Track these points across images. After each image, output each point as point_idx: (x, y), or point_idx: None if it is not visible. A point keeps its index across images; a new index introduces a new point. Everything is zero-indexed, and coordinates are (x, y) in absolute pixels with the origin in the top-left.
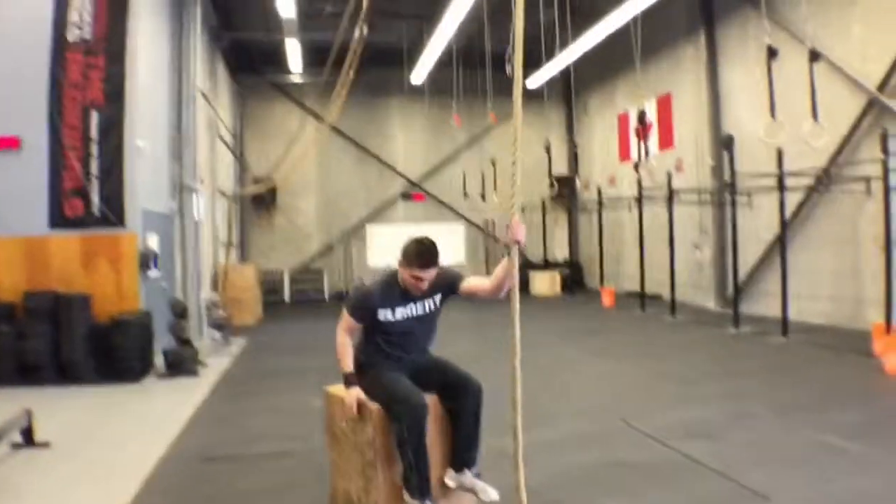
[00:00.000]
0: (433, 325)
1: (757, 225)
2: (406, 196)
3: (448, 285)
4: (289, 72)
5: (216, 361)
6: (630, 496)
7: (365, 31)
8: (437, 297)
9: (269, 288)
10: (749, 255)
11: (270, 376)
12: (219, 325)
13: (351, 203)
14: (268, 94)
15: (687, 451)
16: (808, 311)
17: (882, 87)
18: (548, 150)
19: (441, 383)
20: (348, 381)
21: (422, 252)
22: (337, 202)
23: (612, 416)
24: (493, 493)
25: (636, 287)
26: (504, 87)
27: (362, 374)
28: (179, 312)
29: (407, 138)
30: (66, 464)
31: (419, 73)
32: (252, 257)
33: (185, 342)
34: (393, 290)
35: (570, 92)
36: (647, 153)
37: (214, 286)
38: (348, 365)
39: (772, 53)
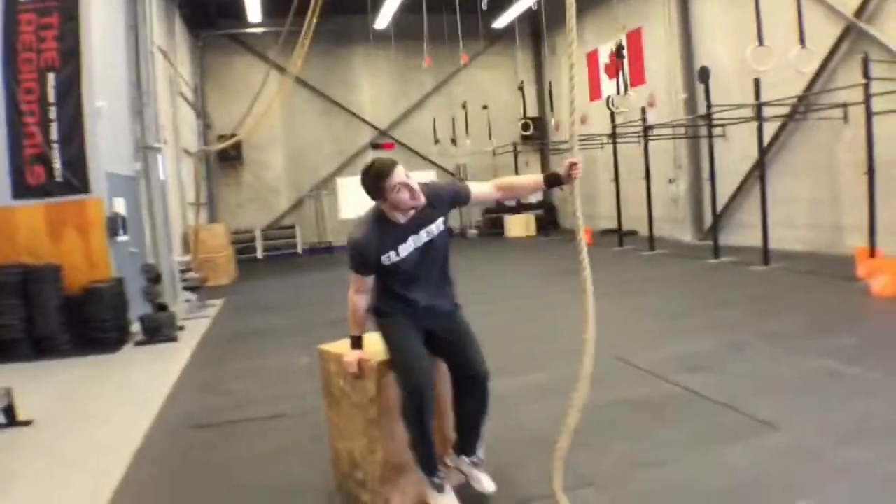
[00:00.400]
0: (444, 253)
1: (732, 157)
2: (375, 145)
3: (450, 199)
4: (248, 23)
5: (194, 324)
6: (641, 435)
7: None
8: (440, 220)
9: (242, 246)
10: (725, 187)
11: (252, 336)
12: (193, 287)
13: (319, 156)
14: (228, 48)
15: (688, 385)
16: (786, 239)
17: (859, 13)
18: (521, 88)
19: (450, 361)
20: (352, 345)
21: (382, 162)
22: (305, 155)
23: (607, 355)
24: (488, 485)
25: (611, 225)
26: (472, 29)
27: (380, 321)
28: (153, 277)
29: (373, 86)
30: (53, 441)
31: (383, 18)
32: (222, 216)
33: (160, 307)
34: (386, 228)
35: (537, 32)
36: (625, 87)
37: (185, 248)
38: (355, 329)
39: None
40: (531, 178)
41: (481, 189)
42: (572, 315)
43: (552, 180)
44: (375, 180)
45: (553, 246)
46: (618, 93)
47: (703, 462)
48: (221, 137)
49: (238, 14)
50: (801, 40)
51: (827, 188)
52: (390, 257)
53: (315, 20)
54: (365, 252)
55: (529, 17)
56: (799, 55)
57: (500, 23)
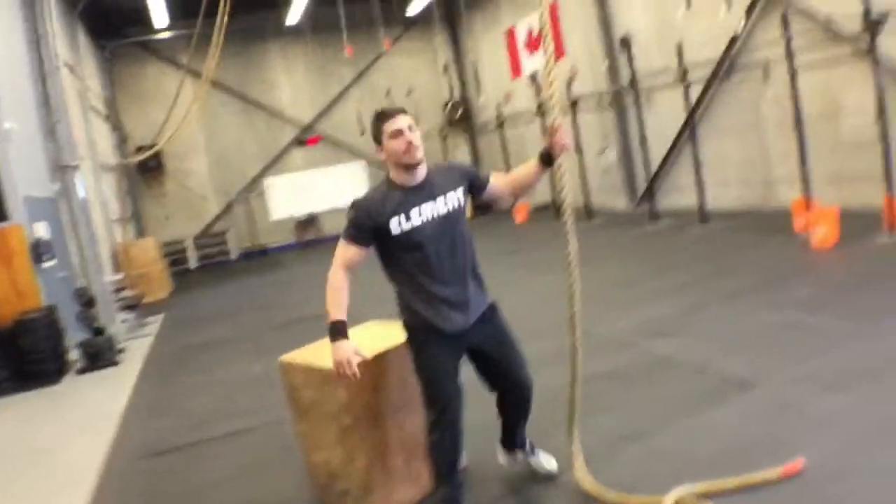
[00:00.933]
0: (469, 236)
1: (658, 122)
2: (300, 142)
3: (468, 177)
4: (155, 29)
5: (136, 344)
6: (621, 407)
7: None
8: (459, 191)
9: (174, 258)
10: (654, 152)
11: (199, 350)
12: (130, 306)
13: (244, 158)
14: (138, 56)
15: (657, 351)
16: (720, 198)
17: None
18: (446, 69)
19: (495, 381)
20: (336, 333)
21: (389, 107)
22: (229, 159)
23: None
24: (549, 464)
25: (545, 199)
26: (386, 16)
27: (408, 332)
28: (86, 301)
29: (292, 82)
30: (8, 484)
31: (295, 13)
32: (150, 230)
33: (98, 331)
34: (393, 191)
35: (453, 15)
36: (559, 56)
37: (116, 266)
38: (338, 312)
39: None
40: (524, 166)
41: (498, 180)
42: (520, 295)
43: (545, 158)
44: (377, 121)
45: (490, 225)
46: (546, 65)
47: (689, 428)
48: (140, 149)
49: (143, 20)
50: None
51: (755, 145)
52: (401, 223)
53: (226, 20)
54: (364, 211)
55: (443, 0)
56: (726, 16)
57: (414, 9)
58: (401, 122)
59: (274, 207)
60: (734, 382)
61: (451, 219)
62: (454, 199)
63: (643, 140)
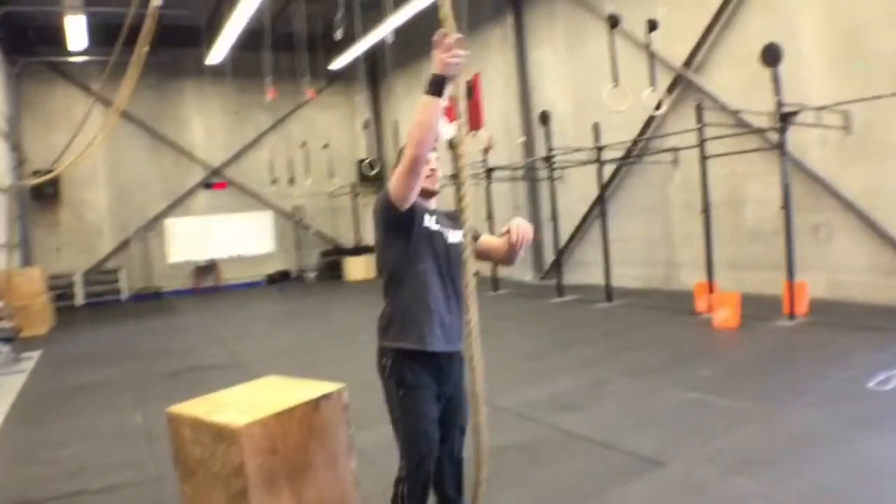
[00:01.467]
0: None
1: (569, 198)
2: (207, 185)
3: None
4: (70, 52)
5: (8, 381)
6: (526, 482)
7: (159, 3)
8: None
9: (60, 292)
10: (563, 228)
11: (77, 393)
12: (6, 339)
13: (147, 195)
14: (47, 77)
15: (564, 426)
16: (623, 276)
17: (687, 64)
18: (366, 125)
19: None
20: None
21: None
22: (131, 194)
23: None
24: None
25: None
26: (310, 68)
27: (393, 367)
28: None
29: (206, 123)
30: None
31: (218, 53)
32: (37, 260)
33: None
34: (421, 203)
35: (375, 73)
36: (478, 126)
37: None
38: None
39: (613, 23)
40: (497, 239)
41: (492, 241)
42: None
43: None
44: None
45: None
46: (470, 129)
47: None
48: (37, 173)
49: (59, 41)
50: (652, 83)
51: (660, 227)
52: (429, 223)
53: (145, 51)
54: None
55: (368, 57)
56: (649, 97)
57: (338, 64)
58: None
59: (173, 250)
60: (642, 460)
61: (457, 251)
62: (459, 235)
63: (554, 214)
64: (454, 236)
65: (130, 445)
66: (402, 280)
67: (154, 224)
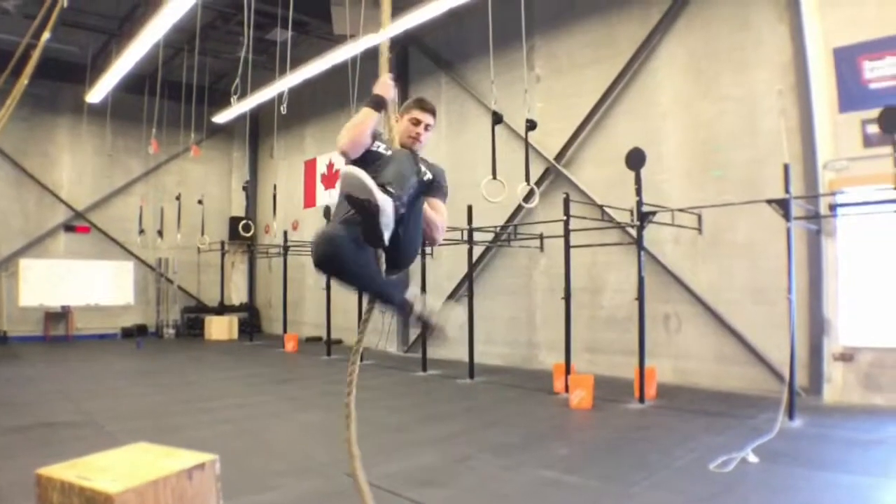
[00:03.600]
0: (419, 204)
1: (437, 275)
2: (69, 227)
3: (437, 176)
4: None
5: None
6: None
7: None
8: (427, 176)
9: None
10: (430, 303)
11: None
12: None
13: (3, 230)
14: None
15: (423, 501)
16: (486, 354)
17: (559, 157)
18: (245, 189)
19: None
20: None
21: (420, 98)
22: None
23: (336, 470)
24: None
25: (315, 333)
26: (192, 119)
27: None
28: None
29: (75, 163)
30: None
31: (99, 93)
32: None
33: None
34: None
35: (256, 133)
36: None
37: None
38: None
39: (497, 120)
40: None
41: (437, 206)
42: (289, 428)
43: None
44: (414, 101)
45: (258, 351)
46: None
47: None
48: None
49: None
50: (527, 178)
51: (523, 308)
52: (380, 147)
53: (25, 82)
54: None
55: (252, 117)
56: (523, 189)
57: (222, 118)
58: (426, 118)
59: (25, 292)
60: None
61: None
62: (424, 176)
63: (423, 289)
64: (420, 175)
65: None
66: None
67: (7, 263)
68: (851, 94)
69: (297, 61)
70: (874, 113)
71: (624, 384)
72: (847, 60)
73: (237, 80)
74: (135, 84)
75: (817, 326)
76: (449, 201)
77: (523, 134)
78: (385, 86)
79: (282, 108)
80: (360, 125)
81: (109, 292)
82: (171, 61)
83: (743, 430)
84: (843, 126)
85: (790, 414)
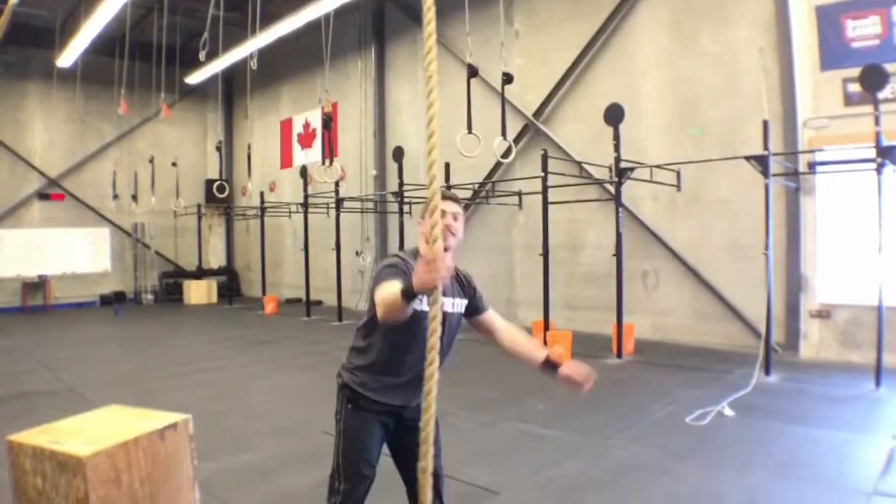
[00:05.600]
0: (454, 336)
1: (417, 232)
2: (44, 196)
3: (476, 294)
4: None
5: None
6: None
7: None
8: (464, 302)
9: None
10: None
11: None
12: None
13: None
14: None
15: None
16: None
17: (538, 114)
18: (219, 149)
19: (408, 467)
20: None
21: (444, 191)
22: None
23: (315, 429)
24: None
25: (295, 294)
26: (165, 80)
27: (341, 392)
28: None
29: (47, 129)
30: None
31: (69, 56)
32: None
33: None
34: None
35: (232, 93)
36: (331, 158)
37: None
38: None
39: (472, 73)
40: (530, 347)
41: (495, 319)
42: (267, 389)
43: (547, 364)
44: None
45: (238, 315)
46: (324, 161)
47: None
48: None
49: None
50: (503, 133)
51: (503, 266)
52: (421, 299)
53: None
54: (404, 264)
55: (226, 77)
56: (500, 144)
57: (195, 78)
58: (451, 207)
59: (1, 263)
60: (477, 489)
61: (451, 318)
62: (461, 305)
63: (402, 247)
64: (455, 306)
65: None
66: (369, 340)
67: None
68: (833, 52)
69: (271, 18)
70: (855, 72)
71: (602, 340)
72: (829, 19)
73: (205, 37)
74: (105, 46)
75: (795, 283)
76: (425, 158)
77: (507, 94)
78: (424, 279)
79: (252, 65)
80: (386, 314)
81: (86, 260)
82: (143, 21)
83: (719, 384)
84: (824, 84)
85: (766, 370)
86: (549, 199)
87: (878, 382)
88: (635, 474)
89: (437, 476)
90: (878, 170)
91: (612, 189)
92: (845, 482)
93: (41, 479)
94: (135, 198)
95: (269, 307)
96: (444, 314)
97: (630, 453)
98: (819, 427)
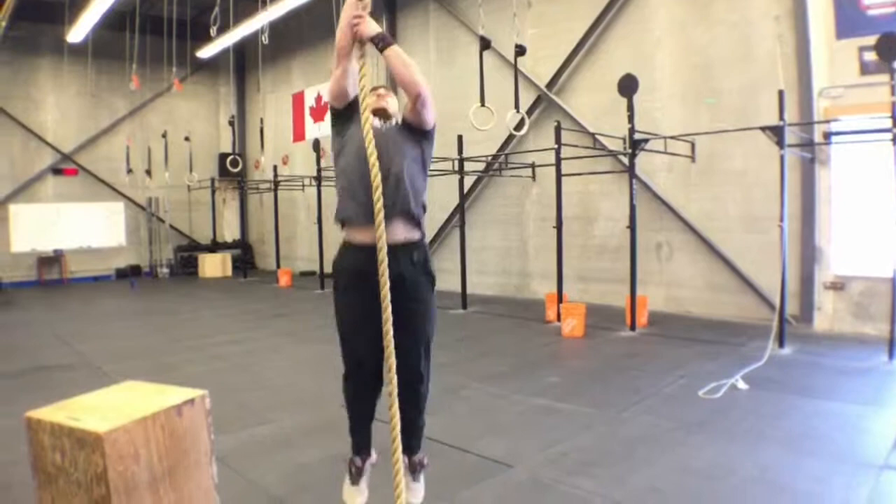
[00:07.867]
0: (401, 170)
1: (431, 206)
2: (57, 171)
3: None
4: None
5: None
6: (384, 485)
7: None
8: (400, 132)
9: None
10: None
11: None
12: None
13: None
14: None
15: None
16: (479, 284)
17: (550, 85)
18: (231, 123)
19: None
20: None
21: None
22: None
23: (332, 402)
24: (415, 498)
25: (309, 267)
26: (177, 55)
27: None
28: None
29: (59, 105)
30: None
31: (80, 31)
32: None
33: None
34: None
35: (244, 66)
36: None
37: None
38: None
39: (485, 45)
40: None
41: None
42: (283, 361)
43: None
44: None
45: (252, 288)
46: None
47: None
48: None
49: None
50: (517, 105)
51: (516, 238)
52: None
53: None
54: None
55: (238, 50)
56: (513, 117)
57: (206, 52)
58: (380, 90)
59: (17, 238)
60: (492, 462)
61: (391, 136)
62: (395, 131)
63: None
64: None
65: None
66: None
67: None
68: (849, 20)
69: None
70: (872, 40)
71: (616, 313)
72: None
73: (216, 10)
74: (116, 21)
75: (809, 255)
76: (440, 131)
77: (519, 65)
78: (343, 26)
79: (263, 38)
80: (414, 69)
81: (101, 234)
82: None
83: (733, 357)
84: (840, 53)
85: (780, 342)
86: (563, 171)
87: (891, 355)
88: (648, 447)
89: (418, 375)
90: (894, 140)
91: (625, 161)
92: (857, 456)
93: (60, 454)
94: (148, 172)
95: (284, 280)
96: (385, 133)
97: (643, 426)
98: (832, 400)
